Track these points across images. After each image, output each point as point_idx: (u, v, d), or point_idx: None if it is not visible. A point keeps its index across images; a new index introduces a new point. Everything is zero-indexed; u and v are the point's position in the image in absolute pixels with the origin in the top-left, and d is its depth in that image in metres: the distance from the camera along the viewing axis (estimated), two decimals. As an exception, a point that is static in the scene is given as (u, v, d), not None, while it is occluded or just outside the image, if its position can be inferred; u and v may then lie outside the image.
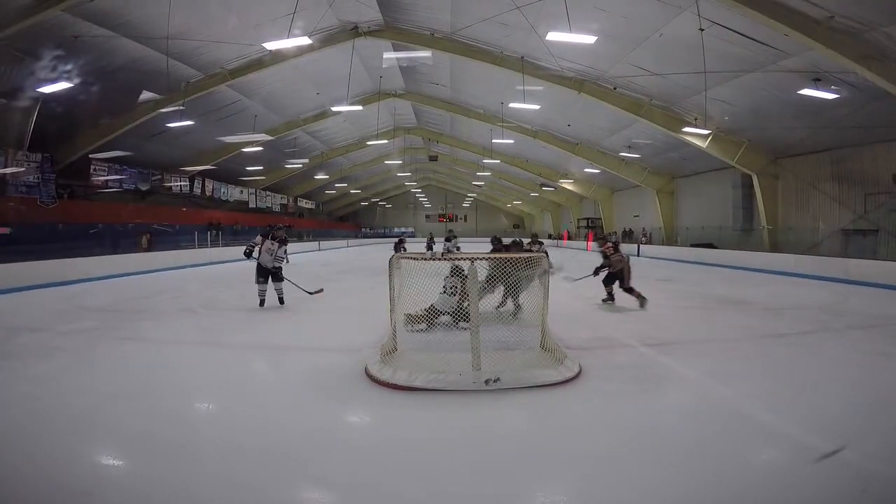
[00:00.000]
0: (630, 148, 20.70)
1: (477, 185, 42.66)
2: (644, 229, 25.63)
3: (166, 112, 15.65)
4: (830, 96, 11.20)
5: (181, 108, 15.01)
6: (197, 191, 24.72)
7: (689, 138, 16.11)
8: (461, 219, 51.96)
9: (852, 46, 9.38)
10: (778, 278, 12.83)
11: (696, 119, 15.14)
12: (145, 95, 15.51)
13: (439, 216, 52.06)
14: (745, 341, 5.66)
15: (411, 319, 5.33)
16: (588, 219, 33.60)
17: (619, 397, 3.78)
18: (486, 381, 3.75)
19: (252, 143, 20.66)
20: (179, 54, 14.10)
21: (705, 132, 15.28)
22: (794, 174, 15.98)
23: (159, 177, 21.89)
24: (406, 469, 2.63)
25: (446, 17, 14.49)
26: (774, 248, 16.06)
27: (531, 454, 2.80)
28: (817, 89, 11.12)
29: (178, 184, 23.27)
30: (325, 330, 6.17)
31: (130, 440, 2.98)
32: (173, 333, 6.20)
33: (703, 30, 10.50)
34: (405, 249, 13.39)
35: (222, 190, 27.18)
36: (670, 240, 22.79)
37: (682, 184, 23.07)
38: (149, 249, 15.83)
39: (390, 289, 4.96)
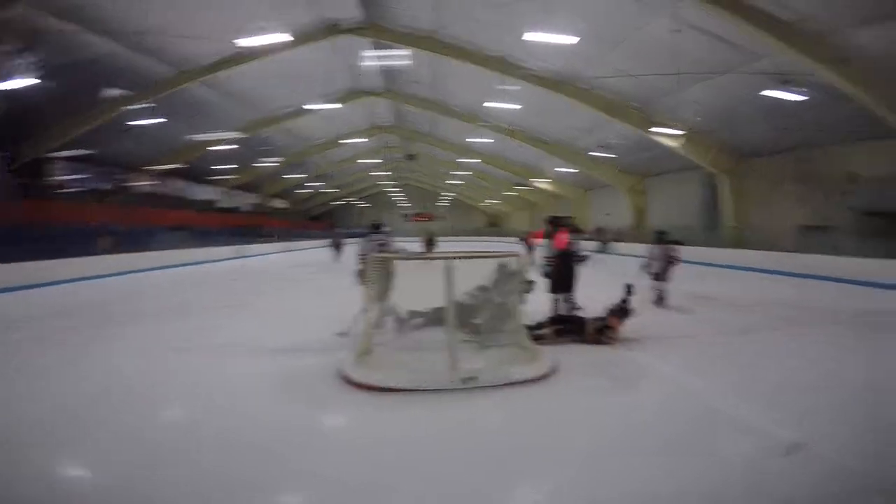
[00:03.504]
0: (603, 148, 21.10)
1: (454, 185, 42.70)
2: (616, 228, 26.13)
3: (134, 109, 15.10)
4: (798, 98, 11.59)
5: (150, 105, 14.53)
6: (164, 190, 23.94)
7: (661, 139, 16.51)
8: (438, 218, 51.85)
9: (818, 49, 9.79)
10: (743, 274, 13.31)
11: (668, 120, 15.54)
12: (112, 92, 14.92)
13: (416, 215, 51.87)
14: (713, 337, 5.81)
15: (413, 314, 5.44)
16: (555, 216, 33.32)
17: (594, 393, 3.85)
18: (464, 380, 3.75)
19: (224, 141, 20.14)
20: (150, 50, 13.67)
21: (677, 133, 15.70)
22: (758, 174, 16.61)
23: (124, 176, 21.11)
24: (386, 471, 2.61)
25: (429, 16, 14.46)
26: (740, 244, 16.63)
27: (511, 451, 2.82)
28: (785, 91, 11.53)
29: (145, 183, 22.49)
30: (298, 331, 6.04)
31: (95, 450, 2.86)
32: (139, 337, 5.97)
33: (678, 31, 10.76)
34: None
35: (191, 190, 26.40)
36: (640, 238, 23.31)
37: (652, 183, 23.66)
38: (112, 252, 15.20)
39: (364, 289, 4.91)
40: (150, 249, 16.76)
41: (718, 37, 10.96)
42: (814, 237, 14.33)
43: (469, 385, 3.73)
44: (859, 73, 9.91)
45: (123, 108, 15.20)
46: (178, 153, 21.80)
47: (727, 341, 5.59)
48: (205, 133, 18.47)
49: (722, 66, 12.12)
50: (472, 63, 15.71)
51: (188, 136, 18.59)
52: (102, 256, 14.33)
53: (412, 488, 2.44)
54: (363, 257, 6.08)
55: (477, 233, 45.80)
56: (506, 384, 3.80)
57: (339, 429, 3.42)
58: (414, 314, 5.52)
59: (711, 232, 18.56)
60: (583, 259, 6.86)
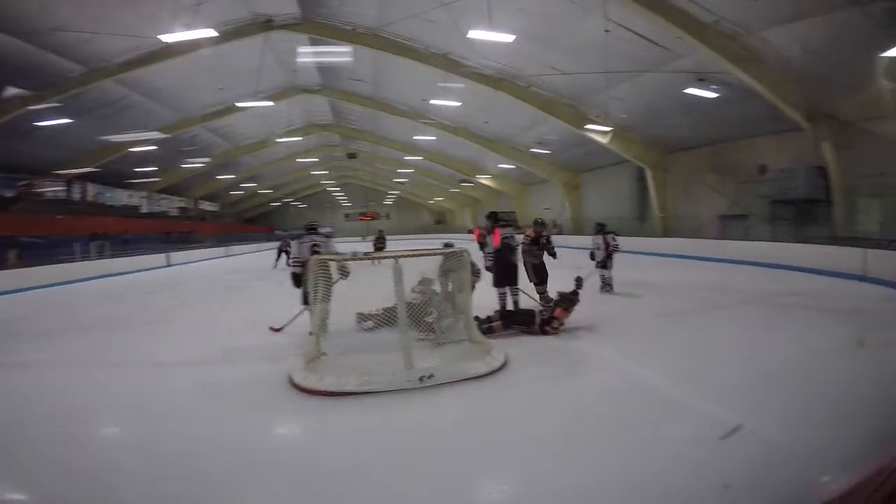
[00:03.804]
0: (541, 144, 21.80)
1: (399, 182, 42.33)
2: (555, 220, 27.10)
3: (40, 109, 13.66)
4: (712, 95, 12.59)
5: (57, 104, 13.19)
6: (76, 196, 21.84)
7: (592, 135, 17.29)
8: (383, 216, 51.22)
9: (732, 49, 10.60)
10: (670, 261, 14.28)
11: (598, 117, 16.29)
12: (10, 91, 13.37)
13: (360, 215, 50.93)
14: (647, 321, 6.18)
15: (362, 318, 5.43)
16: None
17: (544, 382, 3.96)
18: (421, 379, 3.72)
19: (143, 141, 18.65)
20: (58, 47, 12.53)
21: (607, 129, 16.52)
22: (681, 166, 17.86)
23: (28, 182, 19.01)
24: (350, 475, 2.53)
25: (371, 13, 14.22)
26: (666, 233, 17.85)
27: (473, 446, 2.83)
28: (701, 89, 12.45)
29: (53, 189, 20.40)
30: (239, 341, 5.72)
31: (23, 474, 2.57)
32: (61, 354, 5.46)
33: (608, 31, 11.29)
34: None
35: (107, 194, 24.30)
36: (578, 231, 24.35)
37: (587, 178, 24.77)
38: (20, 265, 13.66)
39: (310, 292, 4.73)
40: (64, 261, 15.23)
41: (645, 37, 11.62)
42: (732, 225, 15.68)
43: (425, 384, 3.71)
44: (767, 71, 10.89)
45: (27, 108, 13.69)
46: (92, 156, 19.93)
47: (664, 325, 5.96)
48: (123, 134, 17.01)
49: (646, 65, 12.87)
50: (415, 60, 15.63)
51: (102, 137, 17.02)
52: (11, 271, 12.89)
53: (376, 492, 2.39)
54: (297, 261, 5.98)
55: (424, 230, 45.86)
56: (461, 380, 3.82)
57: (292, 438, 3.29)
58: (363, 317, 5.45)
59: (642, 222, 19.76)
60: (551, 249, 7.00)
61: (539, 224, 7.22)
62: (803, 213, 13.02)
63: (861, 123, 10.89)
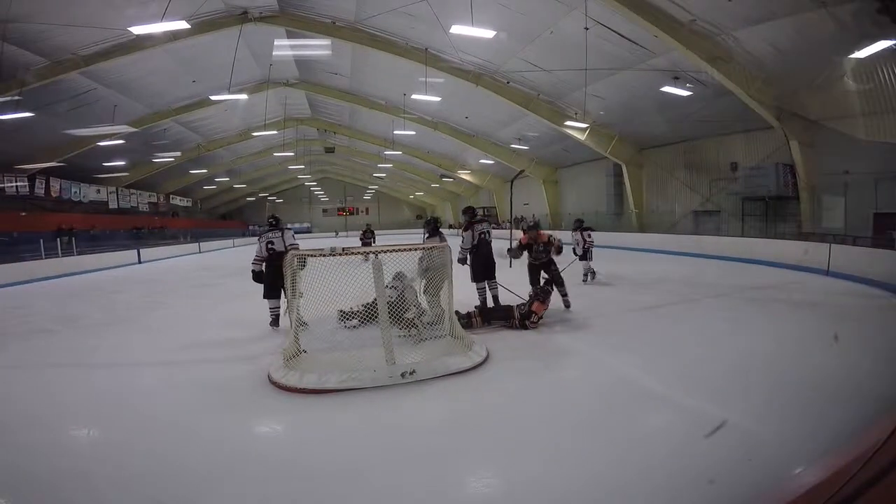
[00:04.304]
0: (520, 140, 21.94)
1: (378, 177, 41.95)
2: (534, 215, 27.35)
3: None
4: (686, 93, 12.90)
5: (17, 98, 12.60)
6: (40, 192, 20.93)
7: (570, 131, 17.50)
8: (362, 212, 50.76)
9: (706, 48, 10.83)
10: (645, 255, 14.58)
11: (576, 113, 16.48)
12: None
13: (338, 210, 50.37)
14: (625, 314, 6.27)
15: (344, 316, 5.30)
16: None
17: (526, 377, 3.98)
18: (403, 375, 3.71)
19: (111, 135, 17.98)
20: (19, 39, 11.98)
21: (583, 126, 16.73)
22: (655, 163, 18.23)
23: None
24: (332, 475, 2.50)
25: (351, 6, 14.01)
26: (641, 228, 18.23)
27: (459, 443, 2.83)
28: (676, 87, 12.73)
29: (14, 185, 19.50)
30: (215, 339, 5.59)
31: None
32: (28, 356, 5.23)
33: (587, 29, 11.40)
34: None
35: (73, 190, 23.37)
36: (556, 226, 24.65)
37: (565, 173, 25.06)
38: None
39: (288, 289, 4.65)
40: (28, 258, 14.60)
41: (623, 35, 11.78)
42: (705, 220, 16.11)
43: (408, 380, 3.70)
44: (739, 71, 11.17)
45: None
46: (56, 150, 19.11)
47: (642, 318, 6.05)
48: (90, 128, 16.37)
49: (623, 63, 13.04)
50: (395, 55, 15.48)
51: (67, 132, 16.33)
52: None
53: (359, 492, 2.37)
54: (256, 258, 5.96)
55: (404, 225, 45.61)
56: (444, 376, 3.83)
57: (273, 437, 3.22)
58: (346, 315, 5.36)
59: (619, 217, 20.13)
60: (552, 249, 6.75)
61: (532, 228, 6.56)
62: (772, 209, 13.46)
63: (826, 123, 11.28)
